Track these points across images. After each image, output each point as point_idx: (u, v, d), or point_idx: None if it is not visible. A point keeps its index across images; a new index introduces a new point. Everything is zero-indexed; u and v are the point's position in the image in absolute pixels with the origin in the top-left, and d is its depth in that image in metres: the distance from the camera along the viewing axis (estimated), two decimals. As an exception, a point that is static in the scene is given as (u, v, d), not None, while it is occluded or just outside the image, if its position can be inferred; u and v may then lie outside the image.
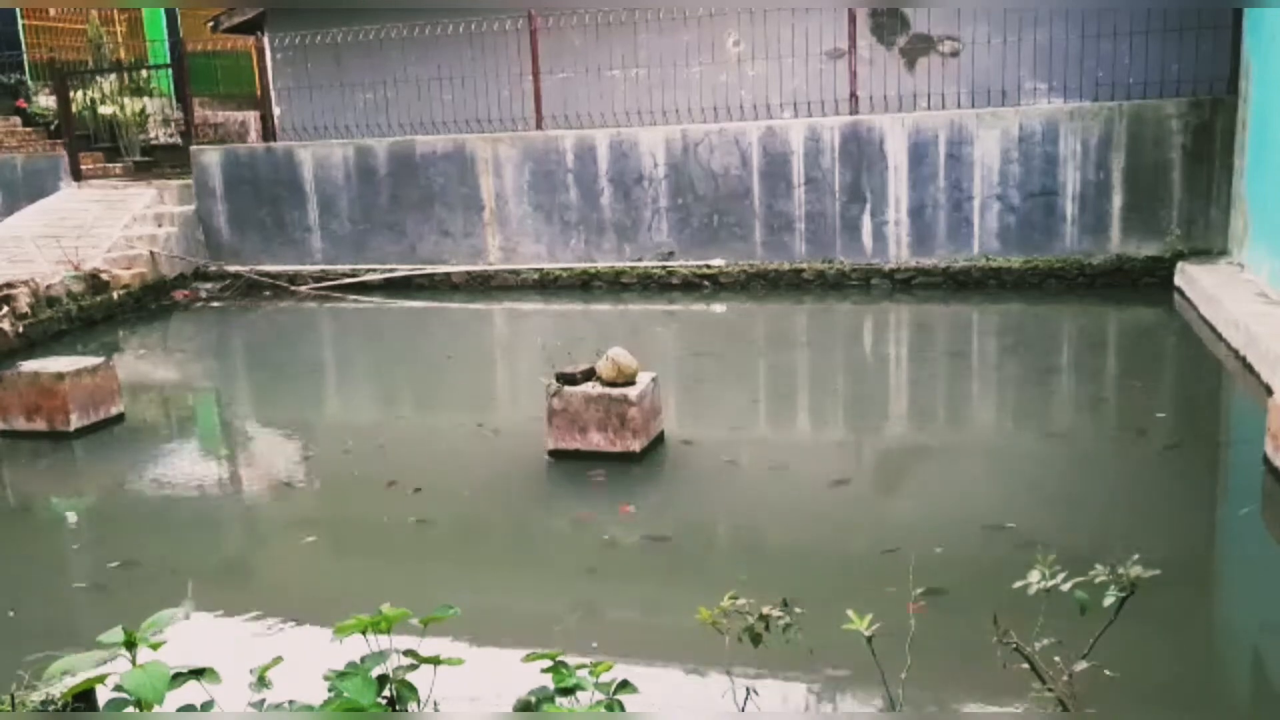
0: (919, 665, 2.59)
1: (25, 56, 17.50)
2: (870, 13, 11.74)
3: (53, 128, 15.43)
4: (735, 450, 6.32)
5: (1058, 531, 4.79)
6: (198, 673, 2.03)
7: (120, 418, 7.40)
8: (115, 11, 19.13)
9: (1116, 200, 10.48)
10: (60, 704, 2.41)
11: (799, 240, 11.30)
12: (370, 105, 13.33)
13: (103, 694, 2.07)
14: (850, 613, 2.42)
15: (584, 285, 11.77)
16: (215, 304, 12.22)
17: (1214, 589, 4.56)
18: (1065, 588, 2.31)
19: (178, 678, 1.98)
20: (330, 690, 2.02)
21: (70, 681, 2.16)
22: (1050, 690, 2.36)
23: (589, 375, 6.08)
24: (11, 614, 4.48)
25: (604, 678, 2.18)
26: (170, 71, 16.11)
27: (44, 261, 11.51)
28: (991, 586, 4.19)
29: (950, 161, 10.77)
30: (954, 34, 11.60)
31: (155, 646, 2.04)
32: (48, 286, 10.72)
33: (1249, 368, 7.12)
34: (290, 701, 2.10)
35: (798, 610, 2.38)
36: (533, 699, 2.12)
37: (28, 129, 15.82)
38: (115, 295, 11.49)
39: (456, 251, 12.33)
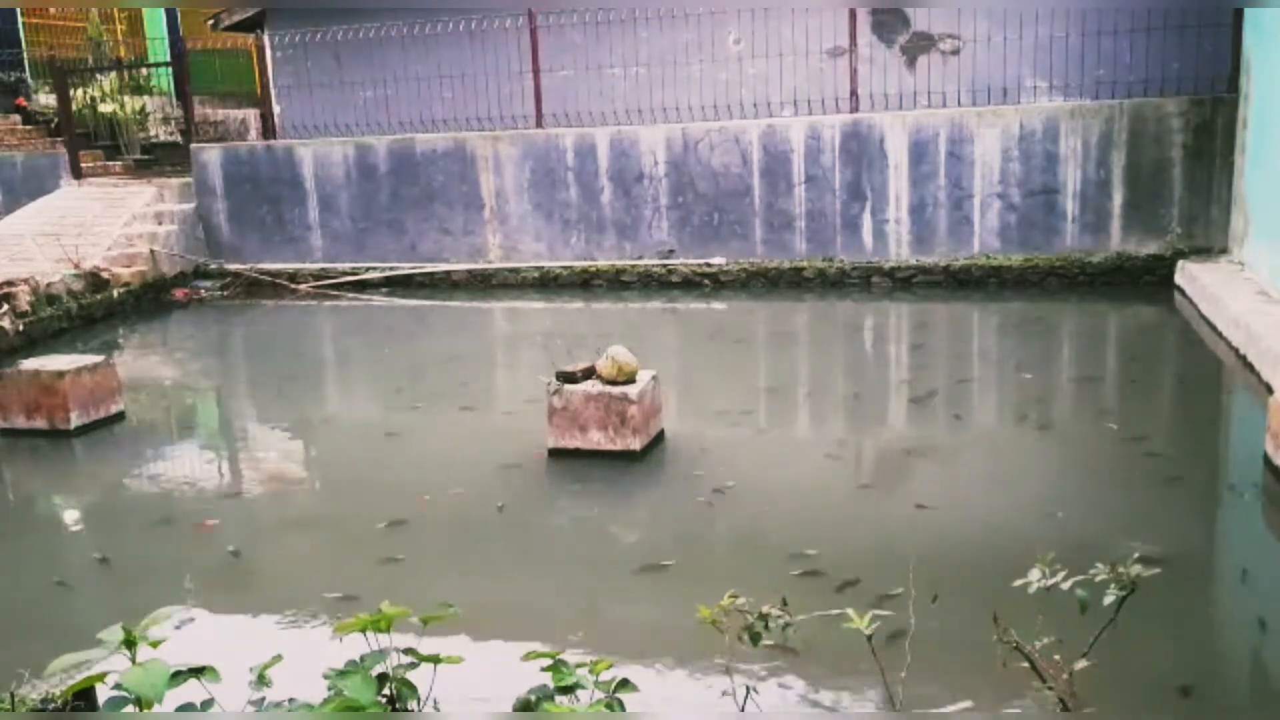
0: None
1: (25, 54, 17.49)
2: (871, 11, 11.73)
3: (53, 126, 15.42)
4: (735, 449, 6.32)
5: (1055, 530, 4.79)
6: (197, 671, 2.03)
7: (120, 416, 7.40)
8: (115, 10, 19.12)
9: (1117, 198, 10.47)
10: (60, 702, 2.41)
11: (799, 238, 11.29)
12: (370, 103, 13.32)
13: (102, 692, 2.07)
14: (850, 611, 2.42)
15: (584, 283, 11.76)
16: (215, 302, 12.22)
17: (1214, 588, 4.55)
18: (1065, 586, 2.31)
19: (177, 676, 1.99)
20: (330, 689, 2.02)
21: (70, 680, 2.16)
22: (1050, 689, 2.36)
23: (589, 373, 6.08)
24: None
25: (603, 676, 2.18)
26: (170, 69, 16.11)
27: (44, 259, 11.50)
28: (977, 588, 4.19)
29: (951, 160, 10.76)
30: (954, 32, 11.59)
31: (155, 645, 2.04)
32: (48, 284, 10.72)
33: (1249, 366, 7.11)
34: (290, 700, 2.11)
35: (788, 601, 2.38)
36: (533, 698, 2.12)
37: (28, 127, 15.81)
38: (115, 293, 11.49)
39: (457, 250, 12.33)
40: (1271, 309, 7.65)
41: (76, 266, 11.30)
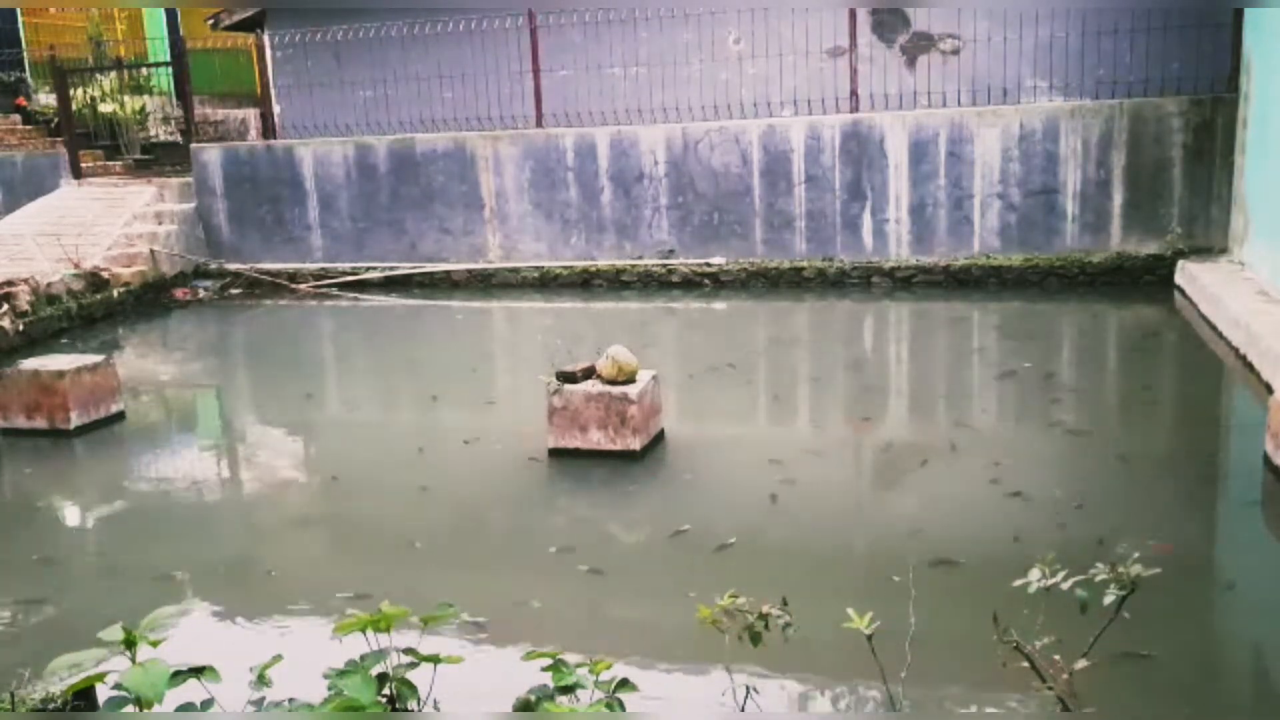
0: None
1: (25, 54, 17.49)
2: (871, 11, 11.73)
3: (53, 125, 15.43)
4: (735, 448, 6.31)
5: (1055, 531, 4.79)
6: (197, 671, 2.03)
7: (120, 416, 7.40)
8: (115, 9, 19.12)
9: (1117, 198, 10.47)
10: (60, 702, 2.41)
11: (799, 238, 11.29)
12: (370, 103, 13.32)
13: (103, 692, 2.07)
14: (850, 611, 2.42)
15: (584, 283, 11.76)
16: (215, 302, 12.21)
17: (1213, 588, 4.55)
18: (1065, 586, 2.31)
19: (177, 676, 1.99)
20: (330, 689, 2.02)
21: (70, 679, 2.16)
22: (1050, 689, 2.36)
23: (589, 373, 6.08)
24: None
25: (603, 676, 2.18)
26: (170, 69, 16.10)
27: (44, 259, 11.50)
28: (970, 595, 4.19)
29: (951, 159, 10.76)
30: (954, 32, 11.59)
31: (155, 644, 2.04)
32: (48, 284, 10.72)
33: (1249, 366, 7.11)
34: (290, 700, 2.11)
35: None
36: (533, 697, 2.12)
37: (28, 127, 15.81)
38: (115, 293, 11.48)
39: (457, 249, 12.33)
40: (1271, 309, 7.65)
41: (76, 266, 11.29)
